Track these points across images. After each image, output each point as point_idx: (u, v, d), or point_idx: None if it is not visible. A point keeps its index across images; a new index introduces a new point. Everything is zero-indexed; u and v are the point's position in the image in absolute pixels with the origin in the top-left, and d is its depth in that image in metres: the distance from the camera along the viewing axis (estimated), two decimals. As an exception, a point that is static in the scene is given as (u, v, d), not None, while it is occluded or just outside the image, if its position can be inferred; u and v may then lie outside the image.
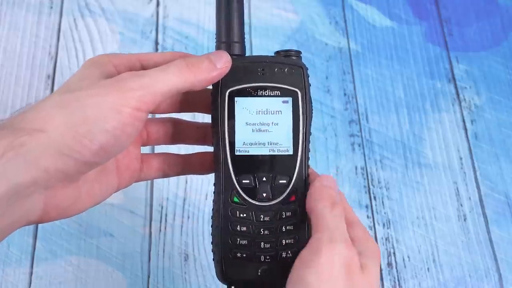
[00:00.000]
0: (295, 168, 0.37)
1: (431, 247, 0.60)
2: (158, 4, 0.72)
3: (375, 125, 0.67)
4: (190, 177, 0.62)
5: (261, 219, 0.37)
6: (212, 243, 0.38)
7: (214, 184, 0.38)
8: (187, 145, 0.43)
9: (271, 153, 0.37)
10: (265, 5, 0.74)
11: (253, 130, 0.37)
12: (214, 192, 0.38)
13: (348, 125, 0.66)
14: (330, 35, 0.72)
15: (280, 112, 0.37)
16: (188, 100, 0.40)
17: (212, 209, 0.38)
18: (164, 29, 0.70)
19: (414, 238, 0.61)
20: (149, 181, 0.61)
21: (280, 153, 0.37)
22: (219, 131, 0.37)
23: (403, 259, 0.60)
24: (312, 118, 0.38)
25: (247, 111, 0.37)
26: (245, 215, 0.37)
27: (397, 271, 0.59)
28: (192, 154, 0.42)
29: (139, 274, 0.56)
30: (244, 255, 0.37)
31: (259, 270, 0.37)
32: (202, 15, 0.72)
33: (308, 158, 0.38)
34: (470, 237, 0.61)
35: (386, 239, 0.60)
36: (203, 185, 0.62)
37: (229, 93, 0.37)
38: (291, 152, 0.37)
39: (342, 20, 0.73)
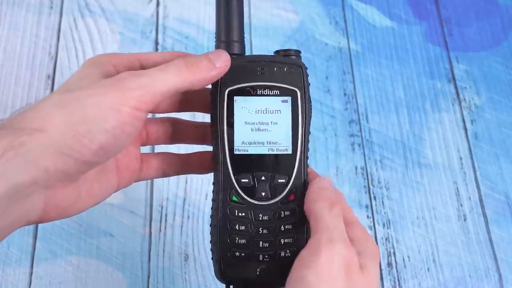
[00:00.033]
0: (294, 167, 0.37)
1: (431, 247, 0.60)
2: (158, 4, 0.72)
3: (375, 125, 0.67)
4: (190, 177, 0.62)
5: (260, 218, 0.37)
6: (211, 242, 0.38)
7: (213, 183, 0.38)
8: (186, 144, 0.43)
9: (270, 152, 0.37)
10: (265, 5, 0.74)
11: (252, 129, 0.37)
12: (213, 191, 0.38)
13: (348, 125, 0.66)
14: (330, 35, 0.72)
15: (279, 112, 0.37)
16: (187, 99, 0.40)
17: (211, 208, 0.38)
18: (164, 29, 0.71)
19: (414, 238, 0.61)
20: (149, 181, 0.61)
21: (279, 153, 0.37)
22: (218, 130, 0.37)
23: (403, 259, 0.60)
24: (311, 118, 0.38)
25: (246, 110, 0.37)
26: (243, 214, 0.37)
27: (397, 271, 0.59)
28: (192, 153, 0.42)
29: (139, 274, 0.56)
30: (243, 254, 0.37)
31: (258, 269, 0.37)
32: (202, 15, 0.72)
33: (307, 158, 0.38)
34: (470, 237, 0.61)
35: (386, 239, 0.60)
36: (203, 185, 0.62)
37: (228, 92, 0.37)
38: (290, 152, 0.37)
39: (342, 20, 0.73)
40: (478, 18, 0.75)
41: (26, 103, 0.64)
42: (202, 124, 0.42)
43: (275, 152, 0.37)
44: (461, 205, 0.63)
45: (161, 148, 0.45)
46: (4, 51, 0.68)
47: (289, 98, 0.37)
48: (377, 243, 0.60)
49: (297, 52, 0.38)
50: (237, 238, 0.37)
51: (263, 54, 0.38)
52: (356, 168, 0.64)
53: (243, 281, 0.38)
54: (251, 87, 0.37)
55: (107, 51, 0.68)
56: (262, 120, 0.37)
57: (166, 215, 0.60)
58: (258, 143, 0.37)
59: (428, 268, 0.59)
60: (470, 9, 0.76)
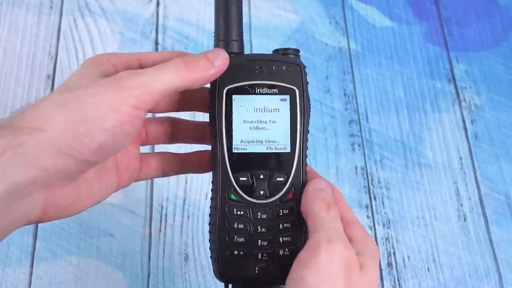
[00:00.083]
0: (292, 166, 0.37)
1: (431, 247, 0.60)
2: (158, 4, 0.72)
3: (375, 125, 0.67)
4: (190, 177, 0.62)
5: (258, 217, 0.37)
6: (209, 240, 0.38)
7: (212, 182, 0.38)
8: (186, 144, 0.43)
9: (269, 151, 0.37)
10: (265, 5, 0.74)
11: (250, 128, 0.37)
12: (212, 190, 0.38)
13: (348, 125, 0.66)
14: (330, 35, 0.72)
15: (277, 110, 0.37)
16: (186, 98, 0.40)
17: (210, 206, 0.38)
18: (164, 29, 0.71)
19: (414, 238, 0.61)
20: (149, 181, 0.61)
21: (278, 151, 0.37)
22: (216, 129, 0.37)
23: (403, 259, 0.60)
24: (310, 117, 0.38)
25: (244, 109, 0.37)
26: (242, 212, 0.37)
27: (397, 271, 0.59)
28: (191, 153, 0.42)
29: (139, 274, 0.56)
30: (242, 252, 0.37)
31: (257, 268, 0.37)
32: (202, 15, 0.72)
33: (306, 156, 0.38)
34: (470, 237, 0.61)
35: (386, 239, 0.60)
36: (203, 185, 0.62)
37: (227, 91, 0.37)
38: (288, 150, 0.37)
39: (342, 20, 0.73)
40: (478, 18, 0.75)
41: (26, 103, 0.64)
42: (201, 124, 0.42)
43: (273, 151, 0.37)
44: (461, 205, 0.63)
45: (160, 147, 0.45)
46: (4, 51, 0.68)
47: (287, 97, 0.37)
48: (377, 243, 0.60)
49: (296, 51, 0.38)
50: (235, 237, 0.37)
51: (262, 53, 0.38)
52: (356, 168, 0.64)
53: (242, 280, 0.38)
54: (250, 85, 0.37)
55: (107, 51, 0.68)
56: (261, 119, 0.37)
57: (166, 215, 0.60)
58: (257, 141, 0.37)
59: (428, 268, 0.59)
60: (470, 9, 0.76)
